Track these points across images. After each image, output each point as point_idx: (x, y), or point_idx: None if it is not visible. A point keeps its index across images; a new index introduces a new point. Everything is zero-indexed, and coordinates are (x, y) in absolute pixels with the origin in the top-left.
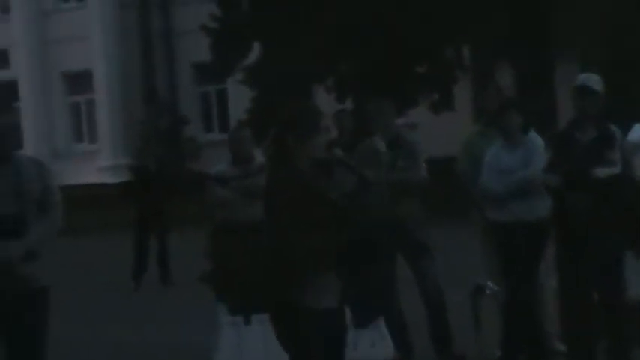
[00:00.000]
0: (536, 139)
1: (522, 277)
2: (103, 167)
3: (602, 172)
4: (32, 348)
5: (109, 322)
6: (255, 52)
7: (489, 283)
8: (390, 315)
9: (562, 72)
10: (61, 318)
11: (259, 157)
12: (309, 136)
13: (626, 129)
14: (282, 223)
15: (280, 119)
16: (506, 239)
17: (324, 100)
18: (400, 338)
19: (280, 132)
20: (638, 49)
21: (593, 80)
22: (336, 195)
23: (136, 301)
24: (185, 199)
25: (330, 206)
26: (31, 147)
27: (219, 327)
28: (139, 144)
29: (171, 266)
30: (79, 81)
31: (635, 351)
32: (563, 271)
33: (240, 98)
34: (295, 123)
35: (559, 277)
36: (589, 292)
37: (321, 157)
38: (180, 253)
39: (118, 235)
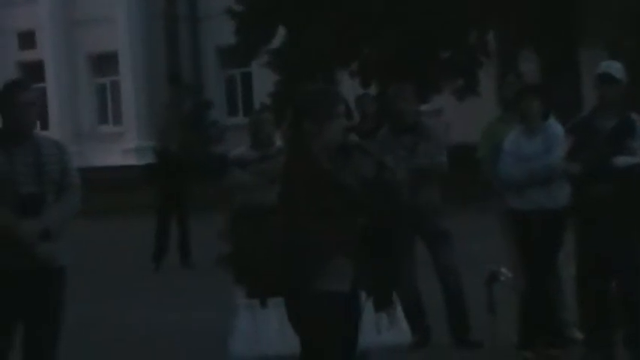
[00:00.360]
0: (556, 126)
1: (541, 264)
2: (128, 149)
3: (622, 160)
4: (49, 326)
5: (129, 303)
6: (279, 36)
7: (503, 270)
8: (408, 300)
9: (587, 58)
10: (83, 298)
11: (279, 140)
12: (325, 121)
13: None
14: (295, 207)
15: (297, 103)
16: (525, 227)
17: (349, 85)
18: (418, 323)
19: (297, 116)
20: None
21: (615, 68)
22: (353, 180)
23: (155, 283)
24: (208, 183)
25: (345, 192)
26: (56, 128)
27: (236, 309)
28: (162, 127)
29: (192, 249)
30: (105, 63)
31: None
32: (582, 259)
33: (264, 82)
34: (311, 107)
35: (577, 265)
36: (607, 280)
37: (338, 142)
38: (200, 236)
39: (142, 217)
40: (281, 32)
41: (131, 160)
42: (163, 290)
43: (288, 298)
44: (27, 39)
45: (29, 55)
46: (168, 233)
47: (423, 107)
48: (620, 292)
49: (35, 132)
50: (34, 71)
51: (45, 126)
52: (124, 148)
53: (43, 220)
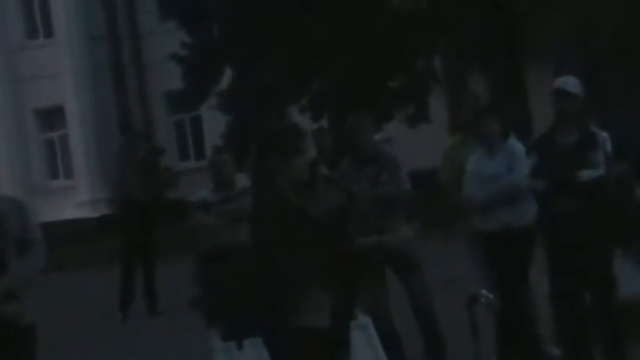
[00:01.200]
0: (516, 145)
1: (513, 283)
2: (81, 202)
3: (587, 174)
4: None
5: (100, 355)
6: (227, 77)
7: (484, 292)
8: (382, 329)
9: (534, 76)
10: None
11: (240, 180)
12: (291, 156)
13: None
14: (268, 244)
15: (262, 139)
16: (494, 247)
17: (299, 120)
18: (393, 352)
19: (262, 152)
20: (608, 49)
21: (571, 83)
22: (322, 213)
23: (124, 333)
24: (167, 228)
25: (316, 225)
26: (7, 185)
27: (212, 353)
28: (118, 176)
29: (158, 295)
30: (52, 117)
31: (630, 351)
32: (554, 275)
33: (214, 124)
34: (277, 143)
35: (550, 281)
36: (581, 294)
37: (304, 177)
38: (164, 281)
39: (100, 269)
40: (228, 73)
41: (85, 213)
42: (134, 339)
43: (269, 338)
44: None
45: None
46: (133, 281)
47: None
48: (594, 305)
49: None
50: None
51: None
52: (77, 201)
53: (8, 280)
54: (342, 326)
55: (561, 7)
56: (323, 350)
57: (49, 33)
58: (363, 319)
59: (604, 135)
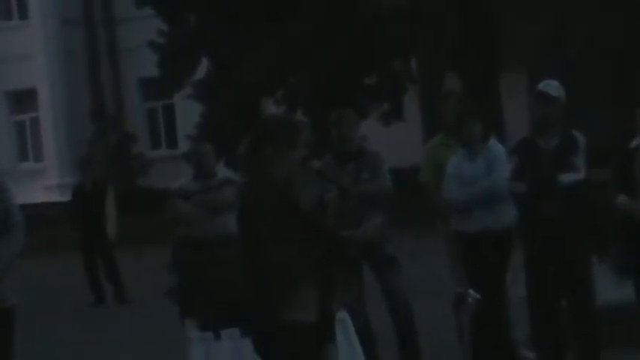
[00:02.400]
0: (497, 147)
1: (489, 285)
2: (50, 186)
3: (567, 177)
4: None
5: (73, 342)
6: (203, 67)
7: (471, 292)
8: (358, 327)
9: (507, 81)
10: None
11: (220, 171)
12: (285, 149)
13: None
14: (257, 236)
15: (259, 129)
16: (472, 249)
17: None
18: (368, 349)
19: (257, 142)
20: (581, 55)
21: (553, 87)
22: (312, 207)
23: (97, 320)
24: (139, 217)
25: (307, 218)
26: None
27: (188, 343)
28: (82, 162)
29: (126, 284)
30: (24, 100)
31: (605, 357)
32: (531, 278)
33: (187, 113)
34: (273, 134)
35: (527, 284)
36: (557, 298)
37: (296, 171)
38: (139, 270)
39: (68, 253)
40: (204, 63)
41: (54, 197)
42: (106, 327)
43: (256, 331)
44: None
45: None
46: (96, 269)
47: None
48: (570, 310)
49: None
50: None
51: None
52: (45, 185)
53: None
54: (329, 321)
55: (537, 11)
56: (311, 344)
57: (23, 15)
58: (342, 314)
59: (584, 139)
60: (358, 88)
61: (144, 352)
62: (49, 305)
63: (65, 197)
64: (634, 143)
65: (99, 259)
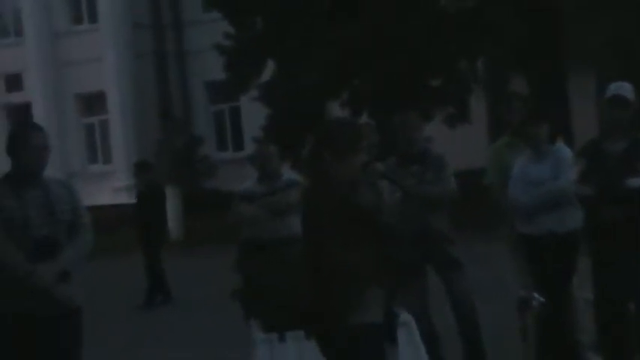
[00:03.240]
0: (564, 150)
1: (555, 289)
2: (118, 188)
3: (634, 182)
4: None
5: (135, 341)
6: (269, 70)
7: (535, 295)
8: (422, 328)
9: (576, 82)
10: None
11: (286, 173)
12: (346, 154)
13: None
14: (324, 239)
15: (319, 134)
16: (537, 252)
17: (339, 116)
18: (433, 352)
19: (318, 147)
20: None
21: (626, 89)
22: (379, 209)
23: (162, 321)
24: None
25: (373, 221)
26: (47, 168)
27: (254, 345)
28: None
29: (192, 283)
30: (93, 102)
31: None
32: (598, 282)
33: (253, 116)
34: (333, 139)
35: (594, 288)
36: (625, 302)
37: (356, 177)
38: (202, 271)
39: (136, 255)
40: (270, 65)
41: (122, 199)
42: (172, 328)
43: (324, 334)
44: (14, 81)
45: (16, 98)
46: (154, 269)
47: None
48: (638, 315)
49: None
50: (22, 113)
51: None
52: (114, 186)
53: (60, 262)
54: (393, 322)
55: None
56: (377, 346)
57: (93, 19)
58: (406, 317)
59: None
60: (423, 90)
61: (207, 352)
62: (120, 306)
63: (133, 199)
64: None
65: (155, 259)
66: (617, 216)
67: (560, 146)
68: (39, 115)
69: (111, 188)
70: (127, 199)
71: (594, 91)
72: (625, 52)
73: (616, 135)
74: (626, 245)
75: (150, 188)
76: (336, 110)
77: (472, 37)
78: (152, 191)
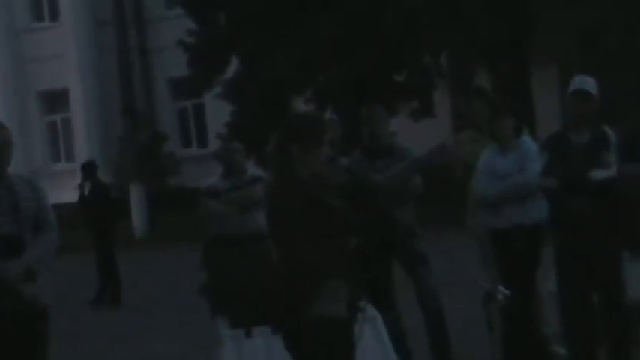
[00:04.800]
0: (529, 143)
1: (519, 281)
2: None
3: (598, 174)
4: None
5: (99, 341)
6: (233, 66)
7: (500, 288)
8: (389, 322)
9: (539, 76)
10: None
11: (250, 169)
12: (312, 148)
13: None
14: (288, 233)
15: (285, 128)
16: (503, 245)
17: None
18: (399, 345)
19: (284, 140)
20: (616, 49)
21: (589, 83)
22: (343, 203)
23: (125, 319)
24: (170, 216)
25: (338, 214)
26: (10, 167)
27: (221, 341)
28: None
29: (158, 281)
30: (56, 100)
31: (636, 353)
32: (563, 274)
33: (217, 113)
34: (300, 133)
35: (558, 280)
36: (588, 294)
37: (322, 170)
38: (169, 268)
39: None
40: (234, 62)
41: None
42: (134, 326)
43: (287, 327)
44: None
45: None
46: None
47: None
48: (602, 306)
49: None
50: None
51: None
52: (77, 184)
53: (26, 260)
54: (355, 315)
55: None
56: (341, 339)
57: (54, 16)
58: (372, 312)
59: (615, 135)
60: (388, 84)
61: (176, 349)
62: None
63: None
64: None
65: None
66: (580, 208)
67: (525, 139)
68: (0, 113)
69: (74, 186)
70: None
71: (558, 84)
72: (590, 45)
73: (580, 128)
74: (590, 237)
75: (96, 188)
76: (301, 106)
77: (436, 32)
78: (98, 191)
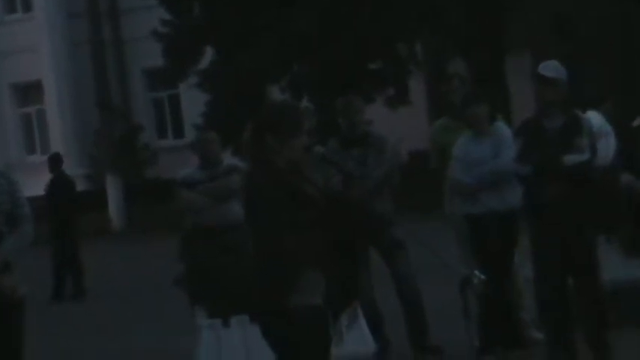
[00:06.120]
0: (504, 129)
1: (497, 267)
2: None
3: (571, 158)
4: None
5: (82, 333)
6: (207, 56)
7: (476, 273)
8: (366, 309)
9: (513, 63)
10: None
11: (226, 159)
12: (288, 137)
13: None
14: (264, 223)
15: (261, 117)
16: (479, 231)
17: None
18: (377, 332)
19: (260, 130)
20: (590, 37)
21: (550, 68)
22: (319, 193)
23: (103, 308)
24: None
25: (315, 204)
26: None
27: (198, 330)
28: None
29: (136, 272)
30: (30, 92)
31: (612, 337)
32: (538, 259)
33: (192, 103)
34: (275, 122)
35: (533, 265)
36: (564, 278)
37: (299, 159)
38: (146, 259)
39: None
40: (209, 52)
41: None
42: (114, 315)
43: (265, 316)
44: None
45: None
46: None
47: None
48: (577, 290)
49: None
50: None
51: None
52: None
53: (2, 253)
54: (335, 305)
55: None
56: (318, 328)
57: (27, 8)
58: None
59: (589, 120)
60: (363, 73)
61: (154, 339)
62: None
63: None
64: (636, 122)
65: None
66: (555, 193)
67: (500, 125)
68: None
69: (49, 179)
70: None
71: (531, 70)
72: (563, 33)
73: (553, 112)
74: (565, 221)
75: (59, 181)
76: (277, 95)
77: (410, 20)
78: (62, 184)
